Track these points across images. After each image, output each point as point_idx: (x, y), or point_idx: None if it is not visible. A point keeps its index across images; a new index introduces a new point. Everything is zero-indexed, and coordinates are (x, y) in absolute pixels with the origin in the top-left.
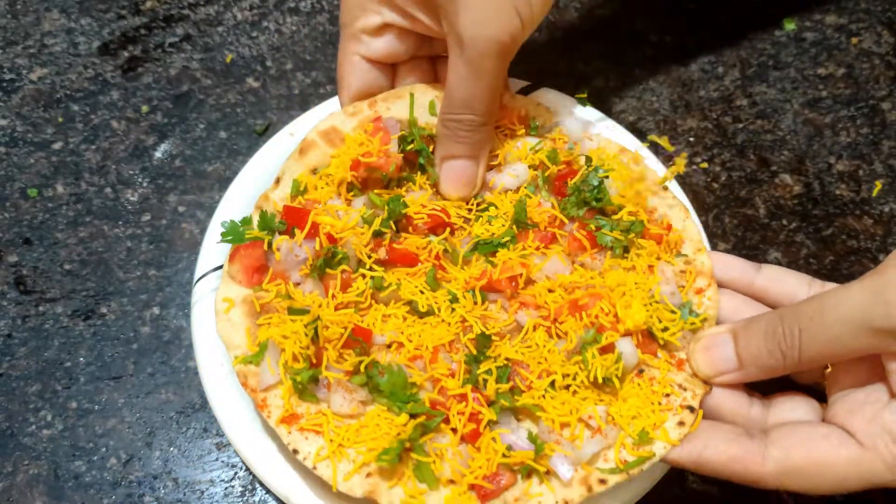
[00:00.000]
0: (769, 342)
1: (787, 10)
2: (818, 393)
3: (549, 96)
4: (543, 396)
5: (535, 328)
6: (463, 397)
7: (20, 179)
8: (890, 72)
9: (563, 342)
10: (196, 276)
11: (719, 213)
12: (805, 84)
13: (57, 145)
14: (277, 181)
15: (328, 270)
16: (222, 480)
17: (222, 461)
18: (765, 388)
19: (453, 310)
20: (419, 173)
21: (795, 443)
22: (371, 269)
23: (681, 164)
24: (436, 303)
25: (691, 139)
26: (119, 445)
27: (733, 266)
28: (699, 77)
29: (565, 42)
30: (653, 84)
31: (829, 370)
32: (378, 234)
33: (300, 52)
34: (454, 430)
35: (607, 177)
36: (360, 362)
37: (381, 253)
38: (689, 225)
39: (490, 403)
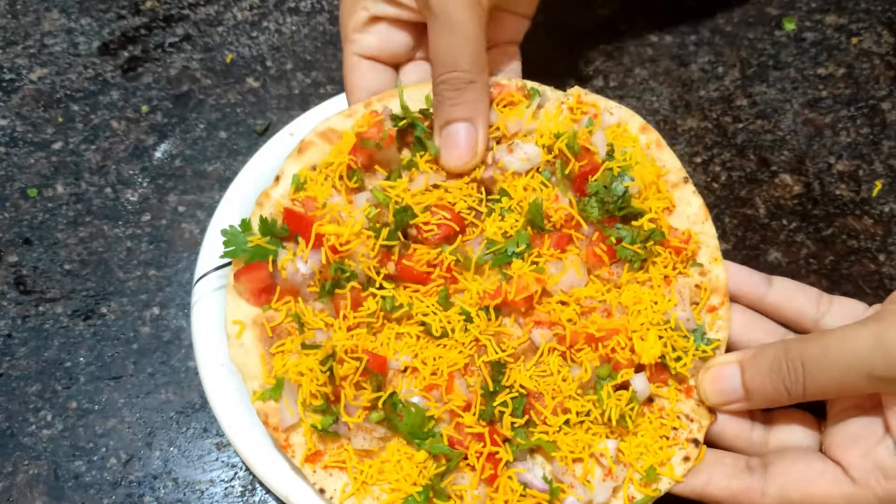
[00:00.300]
0: (774, 378)
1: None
2: (821, 406)
3: None
4: (558, 431)
5: (549, 351)
6: (480, 437)
7: (20, 179)
8: (890, 72)
9: (577, 368)
10: (196, 276)
11: (719, 213)
12: (805, 84)
13: (57, 145)
14: (277, 179)
15: (337, 291)
16: (222, 480)
17: (222, 461)
18: None
19: (467, 329)
20: (419, 154)
21: (792, 480)
22: (381, 286)
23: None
24: (449, 323)
25: (691, 139)
26: (119, 445)
27: (745, 280)
28: (699, 77)
29: (565, 42)
30: (653, 84)
31: None
32: (385, 245)
33: (300, 52)
34: (472, 468)
35: (632, 178)
36: (378, 398)
37: (390, 268)
38: (707, 228)
39: (505, 440)
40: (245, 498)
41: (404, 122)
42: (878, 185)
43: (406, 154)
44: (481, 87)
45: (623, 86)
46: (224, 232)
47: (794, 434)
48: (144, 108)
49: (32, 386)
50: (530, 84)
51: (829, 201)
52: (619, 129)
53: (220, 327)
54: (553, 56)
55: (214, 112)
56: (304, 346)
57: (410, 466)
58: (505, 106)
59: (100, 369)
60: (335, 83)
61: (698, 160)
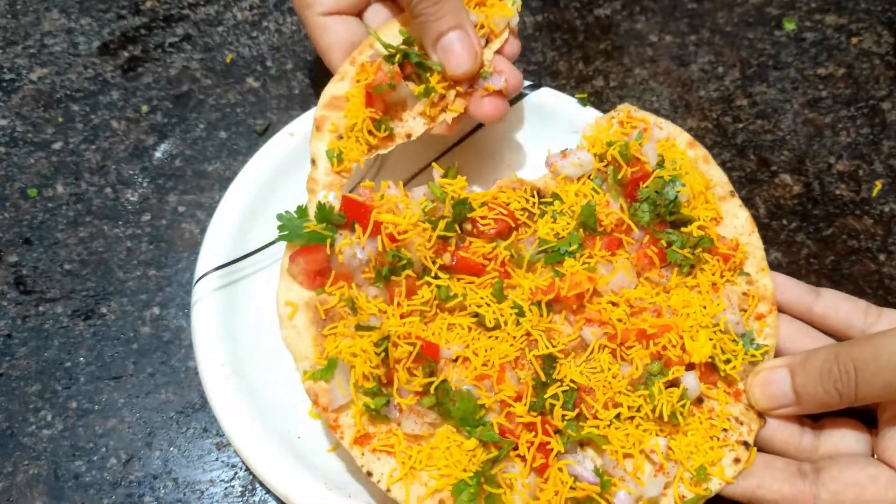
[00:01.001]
0: (825, 381)
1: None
2: (870, 414)
3: (549, 96)
4: (609, 426)
5: (600, 349)
6: (532, 427)
7: (20, 179)
8: (890, 72)
9: (627, 366)
10: (196, 276)
11: None
12: (805, 84)
13: (57, 145)
14: (314, 162)
15: (393, 278)
16: (222, 480)
17: (222, 461)
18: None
19: (518, 323)
20: (427, 76)
21: (845, 485)
22: (436, 276)
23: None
24: (502, 316)
25: None
26: (119, 445)
27: (792, 290)
28: (699, 77)
29: (565, 42)
30: (653, 84)
31: None
32: (442, 236)
33: (300, 52)
34: (522, 458)
35: (683, 184)
36: (430, 384)
37: (447, 258)
38: (753, 240)
39: (556, 431)
40: (245, 498)
41: (397, 56)
42: (878, 185)
43: (412, 85)
44: None
45: (623, 86)
46: (280, 217)
47: (846, 439)
48: (144, 108)
49: (32, 386)
50: None
51: (829, 201)
52: (667, 143)
53: (221, 327)
54: (553, 56)
55: (214, 112)
56: (358, 327)
57: (460, 453)
58: (476, 6)
59: (100, 369)
60: None
61: None
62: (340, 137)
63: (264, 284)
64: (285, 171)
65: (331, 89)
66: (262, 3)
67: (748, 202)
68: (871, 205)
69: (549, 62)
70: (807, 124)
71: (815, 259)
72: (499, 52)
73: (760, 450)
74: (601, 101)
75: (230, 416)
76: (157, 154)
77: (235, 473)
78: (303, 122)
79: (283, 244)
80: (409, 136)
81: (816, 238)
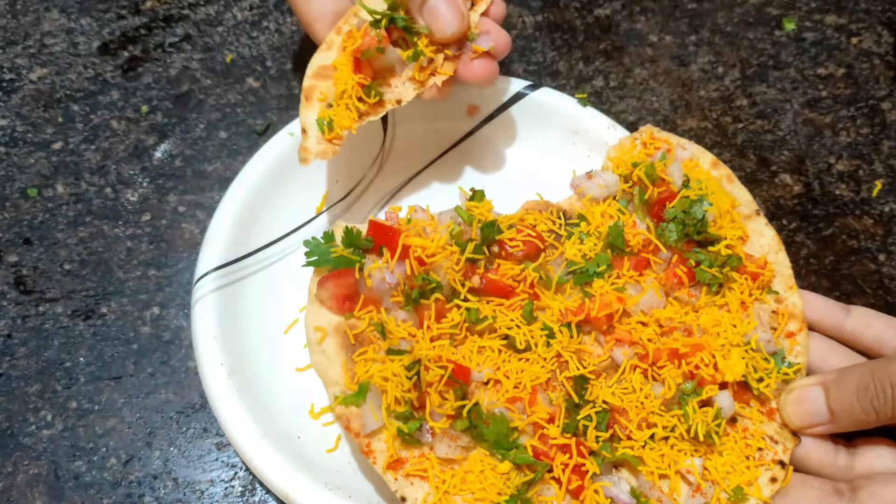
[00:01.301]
0: (861, 399)
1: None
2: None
3: (549, 96)
4: (643, 447)
5: (632, 369)
6: (566, 448)
7: (20, 179)
8: (890, 72)
9: (659, 386)
10: (196, 276)
11: None
12: (805, 84)
13: (57, 145)
14: (304, 131)
15: (422, 301)
16: (222, 480)
17: (222, 461)
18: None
19: (549, 344)
20: (414, 40)
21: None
22: (465, 298)
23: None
24: (532, 338)
25: (691, 139)
26: (119, 445)
27: (822, 308)
28: (699, 77)
29: (565, 42)
30: (653, 84)
31: None
32: (470, 259)
33: (300, 52)
34: (556, 480)
35: (710, 203)
36: (462, 406)
37: (476, 281)
38: (780, 258)
39: (591, 453)
40: (245, 498)
41: (383, 21)
42: (878, 185)
43: (400, 51)
44: None
45: (623, 86)
46: (307, 243)
47: (881, 457)
48: (144, 108)
49: (32, 386)
50: None
51: (829, 201)
52: (691, 163)
53: (221, 327)
54: (553, 56)
55: (214, 112)
56: (389, 351)
57: (494, 476)
58: None
59: (100, 369)
60: None
61: None
62: (330, 106)
63: (264, 284)
64: (285, 171)
65: (317, 59)
66: (262, 3)
67: None
68: (871, 205)
69: (549, 62)
70: (807, 124)
71: (815, 259)
72: (485, 14)
73: (796, 469)
74: (601, 101)
75: (230, 416)
76: (157, 154)
77: (235, 473)
78: None
79: (283, 243)
80: (399, 101)
81: (816, 238)
